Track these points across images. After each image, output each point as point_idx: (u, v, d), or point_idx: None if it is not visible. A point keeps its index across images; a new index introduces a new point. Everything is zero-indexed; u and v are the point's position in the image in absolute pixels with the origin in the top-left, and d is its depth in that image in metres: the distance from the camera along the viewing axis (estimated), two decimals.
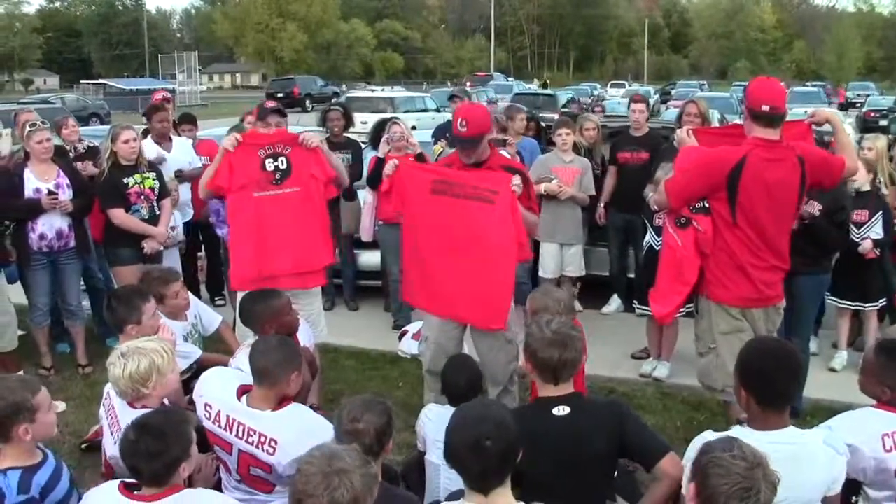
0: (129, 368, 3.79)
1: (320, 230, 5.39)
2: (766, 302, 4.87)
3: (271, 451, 3.70)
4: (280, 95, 43.36)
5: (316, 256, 5.32)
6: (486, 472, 2.87)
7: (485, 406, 3.24)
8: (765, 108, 4.58)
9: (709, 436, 3.15)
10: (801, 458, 3.11)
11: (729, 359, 4.20)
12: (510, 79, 65.20)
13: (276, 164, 5.28)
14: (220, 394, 3.93)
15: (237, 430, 3.78)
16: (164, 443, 3.06)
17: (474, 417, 2.97)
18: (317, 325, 5.69)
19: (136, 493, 3.12)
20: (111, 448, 3.93)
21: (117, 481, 3.24)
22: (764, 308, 4.87)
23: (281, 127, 5.53)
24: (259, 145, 5.33)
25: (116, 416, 3.98)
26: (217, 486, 3.98)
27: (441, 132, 9.29)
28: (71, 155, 7.59)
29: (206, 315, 5.90)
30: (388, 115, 9.76)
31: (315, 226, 5.35)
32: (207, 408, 3.91)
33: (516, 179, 4.76)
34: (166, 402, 3.95)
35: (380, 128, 8.44)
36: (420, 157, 7.76)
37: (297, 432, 3.66)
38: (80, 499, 3.41)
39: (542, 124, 9.97)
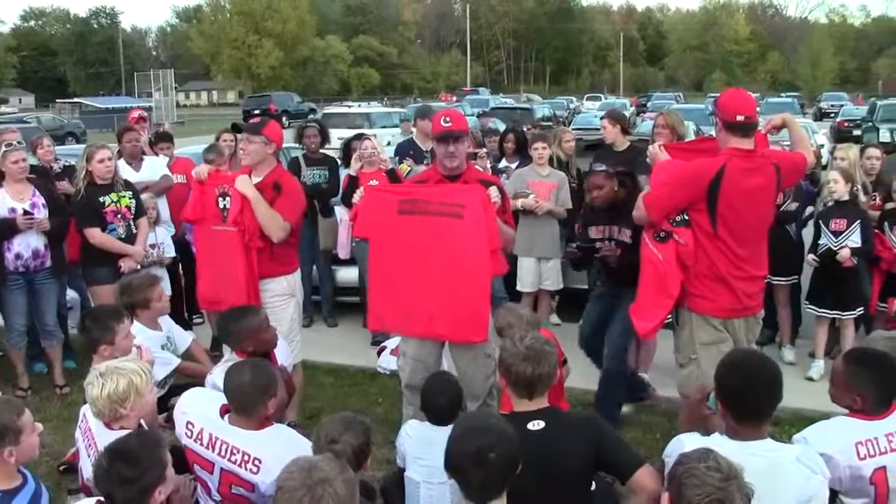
0: (107, 388, 3.75)
1: (238, 272, 5.42)
2: (747, 312, 4.90)
3: (255, 469, 3.69)
4: (256, 112, 43.02)
5: (227, 294, 5.42)
6: (487, 484, 2.89)
7: (487, 417, 3.26)
8: (739, 118, 4.65)
9: (686, 439, 3.19)
10: (776, 472, 3.11)
11: (710, 370, 4.17)
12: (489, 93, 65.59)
13: (224, 202, 5.48)
14: (203, 412, 3.92)
15: (220, 449, 3.76)
16: (138, 468, 3.03)
17: (477, 429, 2.99)
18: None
19: None
20: (88, 470, 3.89)
21: (94, 499, 3.20)
22: (745, 318, 4.91)
23: (251, 145, 5.54)
24: (217, 183, 5.58)
25: (93, 437, 3.94)
26: None
27: (404, 151, 9.26)
28: None
29: (178, 335, 5.87)
30: (355, 133, 9.72)
31: (234, 266, 5.42)
32: (189, 426, 3.89)
33: (494, 191, 4.78)
34: (143, 423, 3.92)
35: (349, 146, 8.46)
36: (392, 173, 7.78)
37: (281, 451, 3.62)
38: None
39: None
